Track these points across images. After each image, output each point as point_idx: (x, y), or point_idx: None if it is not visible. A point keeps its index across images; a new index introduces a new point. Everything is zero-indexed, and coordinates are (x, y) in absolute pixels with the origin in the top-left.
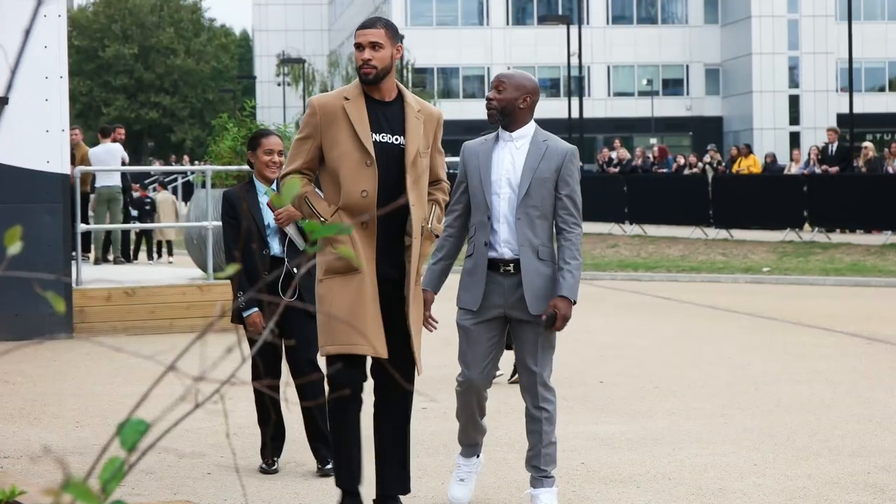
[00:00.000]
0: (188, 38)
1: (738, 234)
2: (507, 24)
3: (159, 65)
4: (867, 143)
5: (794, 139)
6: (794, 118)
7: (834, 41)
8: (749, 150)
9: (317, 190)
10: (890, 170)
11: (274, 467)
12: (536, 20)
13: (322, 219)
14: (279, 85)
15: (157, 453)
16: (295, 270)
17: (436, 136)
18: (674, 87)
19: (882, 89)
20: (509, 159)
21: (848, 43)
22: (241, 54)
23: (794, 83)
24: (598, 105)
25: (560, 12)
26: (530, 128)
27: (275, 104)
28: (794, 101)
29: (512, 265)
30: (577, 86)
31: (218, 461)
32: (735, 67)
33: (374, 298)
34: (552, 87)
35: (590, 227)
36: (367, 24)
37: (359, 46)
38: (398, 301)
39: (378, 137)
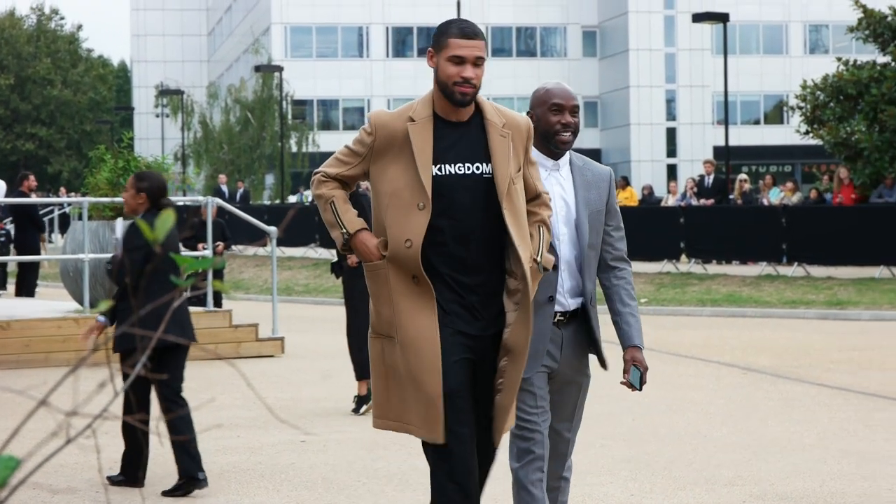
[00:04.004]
0: (65, 69)
1: None
2: (387, 56)
3: (36, 95)
4: (742, 175)
5: (671, 171)
6: (672, 150)
7: (710, 74)
8: (626, 182)
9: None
10: (765, 202)
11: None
12: (416, 52)
13: (345, 231)
14: (157, 116)
15: (29, 489)
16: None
17: (527, 150)
18: None
19: (757, 122)
20: (559, 192)
21: (724, 76)
22: (119, 85)
23: (671, 116)
24: None
25: None
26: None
27: (153, 136)
28: (671, 134)
29: (568, 314)
30: None
31: (93, 497)
32: (613, 100)
33: (433, 369)
34: None
35: None
36: (469, 33)
37: (460, 60)
38: (484, 364)
39: (451, 169)
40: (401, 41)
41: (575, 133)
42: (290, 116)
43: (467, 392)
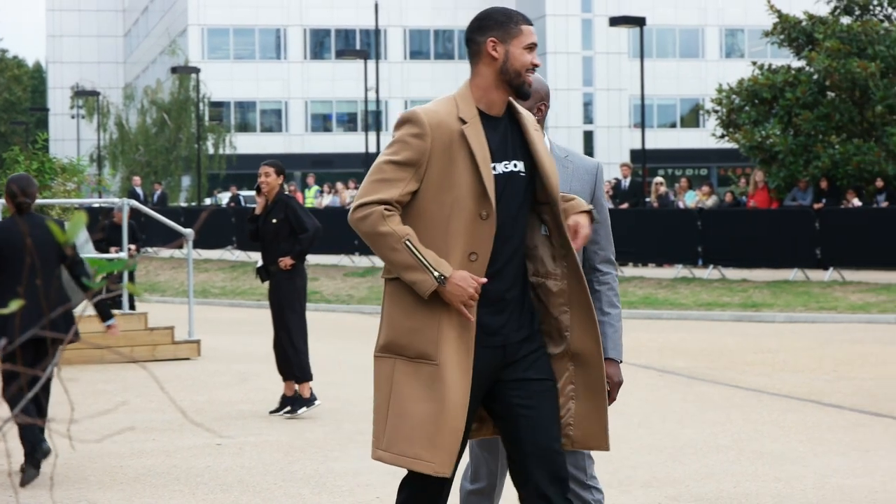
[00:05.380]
0: None
1: None
2: (305, 58)
3: None
4: (658, 179)
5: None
6: (588, 153)
7: (627, 78)
8: None
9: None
10: (680, 205)
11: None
12: (334, 55)
13: (438, 274)
14: (73, 118)
15: None
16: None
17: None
18: None
19: (673, 125)
20: None
21: (640, 80)
22: (34, 86)
23: (588, 119)
24: None
25: (358, 47)
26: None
27: (68, 137)
28: (588, 137)
29: None
30: (374, 120)
31: (6, 500)
32: None
33: (460, 402)
34: (349, 122)
35: None
36: (529, 20)
37: (532, 48)
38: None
39: (501, 169)
40: (319, 43)
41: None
42: (206, 118)
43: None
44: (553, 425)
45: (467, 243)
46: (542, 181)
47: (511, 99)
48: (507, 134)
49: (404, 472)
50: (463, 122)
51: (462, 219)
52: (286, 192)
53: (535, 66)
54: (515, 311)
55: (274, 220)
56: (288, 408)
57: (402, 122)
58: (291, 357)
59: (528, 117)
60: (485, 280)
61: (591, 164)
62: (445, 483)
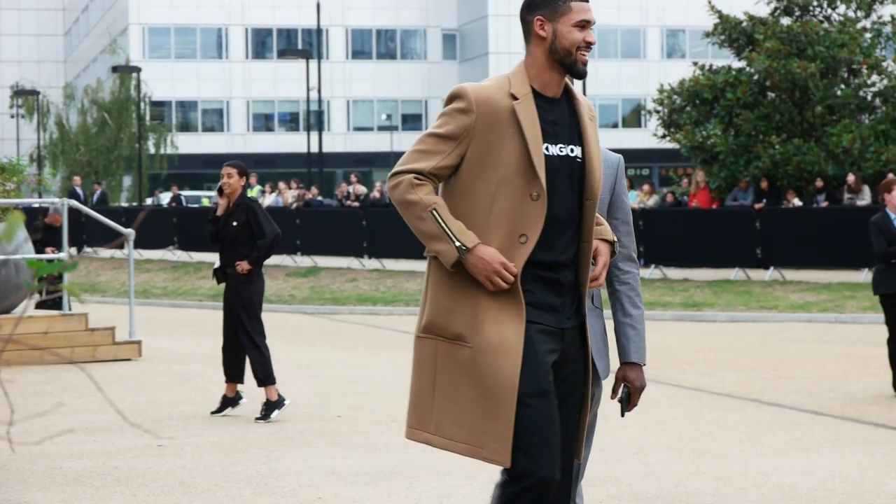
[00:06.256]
0: None
1: None
2: (247, 57)
3: None
4: None
5: None
6: None
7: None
8: None
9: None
10: None
11: None
12: (276, 54)
13: (461, 244)
14: (12, 117)
15: None
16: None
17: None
18: (413, 122)
19: (615, 125)
20: None
21: (582, 80)
22: None
23: None
24: (338, 139)
25: (300, 46)
26: None
27: (8, 137)
28: None
29: None
30: (316, 120)
31: None
32: None
33: (510, 385)
34: (291, 122)
35: (329, 261)
36: None
37: (585, 25)
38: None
39: (554, 150)
40: (260, 42)
41: None
42: (147, 118)
43: (552, 399)
44: (573, 442)
45: (515, 224)
46: (587, 173)
47: (568, 82)
48: (564, 117)
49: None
50: (514, 98)
51: (509, 198)
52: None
53: (589, 43)
54: (567, 295)
55: (235, 223)
56: (229, 408)
57: (451, 98)
58: (255, 360)
59: (584, 104)
60: (515, 271)
61: (614, 158)
62: (546, 484)
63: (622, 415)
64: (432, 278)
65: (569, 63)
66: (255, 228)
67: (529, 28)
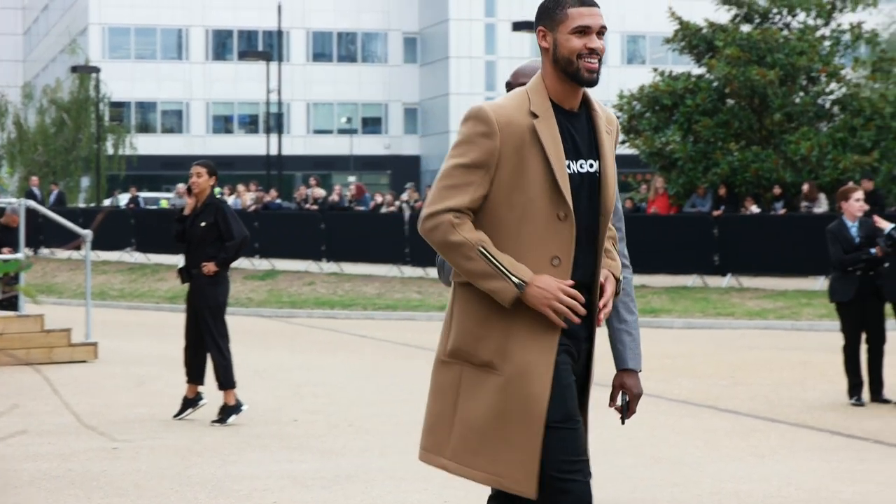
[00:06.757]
0: None
1: (434, 271)
2: (207, 59)
3: None
4: None
5: None
6: None
7: None
8: None
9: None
10: None
11: None
12: (237, 56)
13: (519, 280)
14: None
15: None
16: None
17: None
18: (373, 125)
19: None
20: None
21: None
22: None
23: None
24: (297, 142)
25: (260, 48)
26: None
27: None
28: None
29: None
30: (276, 122)
31: None
32: (433, 107)
33: (538, 413)
34: (251, 124)
35: (287, 264)
36: (588, 0)
37: (584, 30)
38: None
39: (575, 167)
40: (221, 44)
41: None
42: (107, 118)
43: (580, 422)
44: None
45: (546, 247)
46: (602, 187)
47: (587, 92)
48: (584, 130)
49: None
50: (534, 115)
51: (536, 221)
52: (218, 195)
53: (592, 49)
54: (585, 315)
55: (203, 224)
56: (190, 410)
57: (467, 119)
58: (218, 362)
59: (603, 115)
60: (571, 282)
61: None
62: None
63: (622, 422)
64: (459, 303)
65: (572, 72)
66: (223, 230)
67: (537, 40)
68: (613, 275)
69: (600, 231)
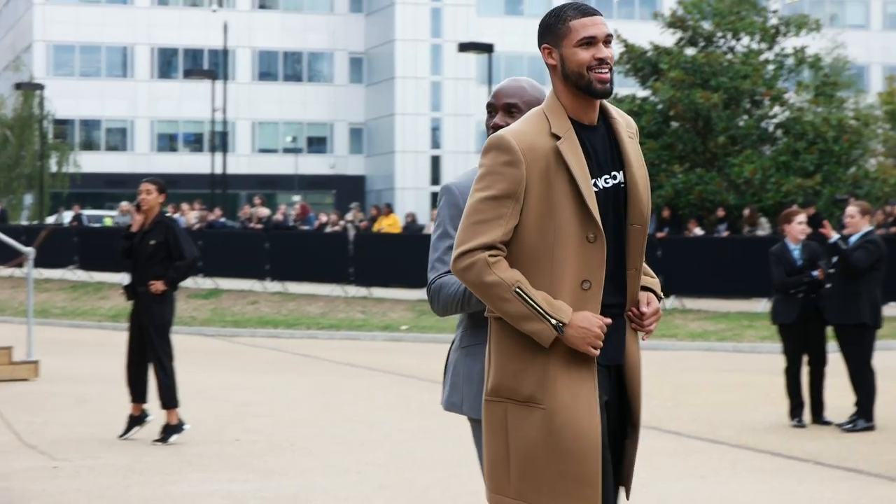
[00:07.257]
0: None
1: (378, 292)
2: (152, 77)
3: None
4: None
5: (435, 199)
6: (436, 178)
7: (475, 104)
8: (390, 209)
9: None
10: None
11: None
12: (182, 74)
13: (557, 322)
14: None
15: None
16: None
17: None
18: (318, 144)
19: None
20: None
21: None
22: None
23: (435, 144)
24: (242, 161)
25: (206, 67)
26: None
27: None
28: (435, 162)
29: None
30: (221, 141)
31: None
32: (378, 127)
33: (592, 447)
34: (196, 142)
35: (231, 283)
36: (590, 10)
37: (590, 41)
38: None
39: (600, 183)
40: (166, 62)
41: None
42: (50, 136)
43: (606, 445)
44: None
45: (577, 271)
46: (631, 197)
47: (604, 102)
48: (605, 143)
49: None
50: (556, 137)
51: (568, 245)
52: (167, 214)
53: (601, 59)
54: (612, 335)
55: (153, 242)
56: (136, 427)
57: (489, 150)
58: (162, 381)
59: (622, 122)
60: (609, 321)
61: None
62: None
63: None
64: (495, 339)
65: (583, 85)
66: (174, 249)
67: (544, 59)
68: (655, 292)
69: (630, 241)
